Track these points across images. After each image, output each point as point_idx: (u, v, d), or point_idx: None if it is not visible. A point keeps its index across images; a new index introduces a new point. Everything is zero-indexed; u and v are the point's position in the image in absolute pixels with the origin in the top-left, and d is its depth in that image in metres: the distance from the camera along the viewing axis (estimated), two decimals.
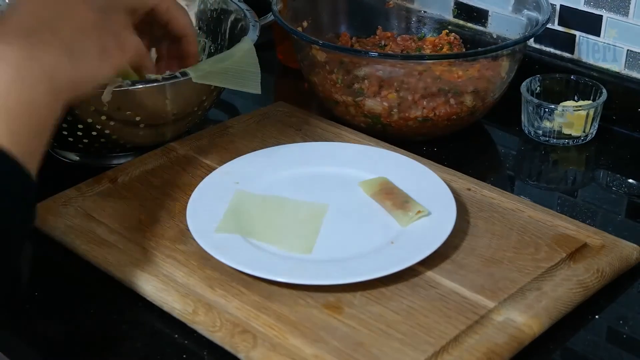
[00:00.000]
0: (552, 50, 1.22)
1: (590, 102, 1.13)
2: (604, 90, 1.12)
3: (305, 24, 1.22)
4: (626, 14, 1.13)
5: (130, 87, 0.97)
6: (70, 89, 0.77)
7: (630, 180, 1.06)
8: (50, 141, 0.75)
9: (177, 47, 1.02)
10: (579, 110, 1.10)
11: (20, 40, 0.73)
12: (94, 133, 1.00)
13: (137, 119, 1.01)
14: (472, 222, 0.93)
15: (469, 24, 1.27)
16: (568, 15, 1.19)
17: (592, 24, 1.17)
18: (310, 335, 0.78)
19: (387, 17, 1.30)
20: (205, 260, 0.87)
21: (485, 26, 1.25)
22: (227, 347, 0.79)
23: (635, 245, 0.90)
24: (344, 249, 0.88)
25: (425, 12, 1.29)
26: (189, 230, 0.89)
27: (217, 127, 1.11)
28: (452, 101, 1.10)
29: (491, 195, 0.97)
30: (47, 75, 0.73)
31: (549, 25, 1.19)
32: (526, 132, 1.14)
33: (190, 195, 0.94)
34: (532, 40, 1.22)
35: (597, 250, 0.89)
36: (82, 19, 0.79)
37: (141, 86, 0.98)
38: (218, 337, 0.79)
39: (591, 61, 1.19)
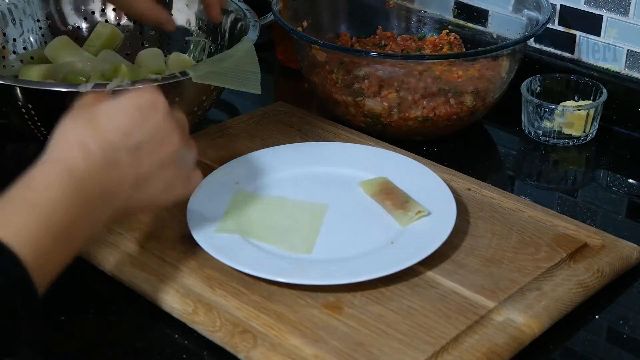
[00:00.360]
0: (552, 50, 1.22)
1: (590, 102, 1.13)
2: (604, 90, 1.12)
3: (305, 24, 1.22)
4: (626, 14, 1.13)
5: (130, 87, 0.97)
6: (120, 213, 0.75)
7: (630, 180, 1.06)
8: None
9: None
10: (579, 110, 1.10)
11: (98, 155, 0.71)
12: None
13: None
14: (472, 222, 0.93)
15: (469, 24, 1.27)
16: (568, 15, 1.19)
17: (593, 24, 1.17)
18: (310, 335, 0.78)
19: (387, 17, 1.30)
20: (205, 260, 0.87)
21: (485, 26, 1.25)
22: (227, 347, 0.79)
23: (635, 245, 0.90)
24: (344, 249, 0.88)
25: (425, 12, 1.29)
26: (189, 230, 0.89)
27: (217, 127, 1.11)
28: (452, 101, 1.10)
29: (491, 195, 0.97)
30: (103, 195, 0.71)
31: (549, 25, 1.19)
32: (526, 132, 1.14)
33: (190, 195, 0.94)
34: (532, 40, 1.22)
35: (597, 250, 0.89)
36: (167, 153, 0.76)
37: (140, 86, 0.98)
38: (218, 337, 0.79)
39: (591, 61, 1.19)
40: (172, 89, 1.00)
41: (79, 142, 0.71)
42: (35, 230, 0.66)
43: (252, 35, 1.10)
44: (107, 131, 0.73)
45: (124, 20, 1.24)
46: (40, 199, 0.67)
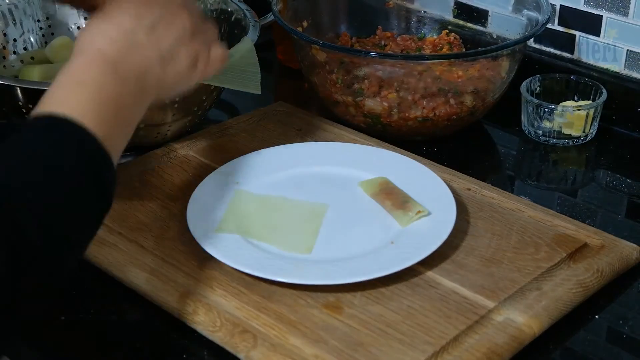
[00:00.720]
0: (552, 50, 1.22)
1: (590, 102, 1.13)
2: (604, 90, 1.12)
3: (305, 24, 1.22)
4: (626, 14, 1.13)
5: None
6: (156, 92, 0.79)
7: (630, 180, 1.06)
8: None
9: None
10: (579, 110, 1.10)
11: (120, 38, 0.76)
12: None
13: None
14: (472, 222, 0.93)
15: (469, 24, 1.27)
16: (568, 15, 1.19)
17: (592, 24, 1.17)
18: (310, 335, 0.78)
19: (387, 17, 1.30)
20: (205, 260, 0.87)
21: (485, 26, 1.25)
22: (227, 347, 0.79)
23: (635, 245, 0.90)
24: (344, 249, 0.88)
25: (425, 12, 1.29)
26: (189, 230, 0.89)
27: (217, 127, 1.11)
28: (452, 101, 1.10)
29: (491, 195, 0.97)
30: (137, 75, 0.76)
31: (549, 25, 1.19)
32: (526, 132, 1.14)
33: (190, 195, 0.94)
34: (532, 40, 1.22)
35: (597, 250, 0.89)
36: (181, 27, 0.80)
37: None
38: (218, 337, 0.79)
39: (591, 61, 1.19)
40: None
41: (100, 34, 0.76)
42: (91, 105, 0.70)
43: (252, 35, 1.10)
44: (121, 19, 0.77)
45: None
46: (85, 79, 0.72)
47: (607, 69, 1.17)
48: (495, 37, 1.24)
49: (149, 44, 0.78)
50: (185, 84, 0.83)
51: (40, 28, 1.21)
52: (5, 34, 1.18)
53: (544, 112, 1.11)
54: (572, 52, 1.20)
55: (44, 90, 0.98)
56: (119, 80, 0.74)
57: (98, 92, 0.72)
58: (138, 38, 0.77)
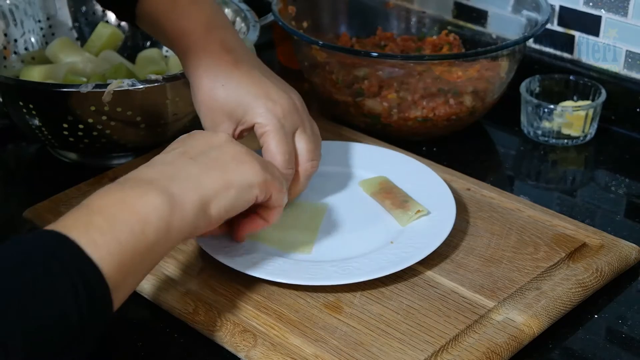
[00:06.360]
0: (551, 50, 1.22)
1: (589, 102, 1.13)
2: (603, 91, 1.12)
3: (305, 24, 1.22)
4: (625, 14, 1.13)
5: (130, 87, 0.97)
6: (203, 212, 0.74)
7: (629, 180, 1.06)
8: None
9: None
10: (578, 110, 1.11)
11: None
12: (95, 133, 1.01)
13: (137, 119, 1.01)
14: (471, 221, 0.93)
15: (469, 24, 1.27)
16: (567, 16, 1.19)
17: (592, 24, 1.17)
18: (310, 334, 0.78)
19: (387, 17, 1.30)
20: (205, 261, 0.87)
21: (484, 26, 1.26)
22: (227, 347, 0.79)
23: (634, 245, 0.90)
24: (344, 249, 0.88)
25: (425, 12, 1.29)
26: None
27: None
28: (451, 101, 1.10)
29: (491, 195, 0.97)
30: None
31: (549, 26, 1.19)
32: (525, 132, 1.15)
33: None
34: (531, 40, 1.22)
35: (596, 250, 0.89)
36: (219, 139, 0.79)
37: (141, 86, 0.98)
38: (218, 337, 0.79)
39: (590, 61, 1.19)
40: (173, 89, 1.00)
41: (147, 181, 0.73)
42: (115, 248, 0.66)
43: (252, 35, 1.10)
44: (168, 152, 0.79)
45: None
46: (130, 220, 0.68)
47: (607, 69, 1.17)
48: (494, 37, 1.24)
49: (176, 154, 0.77)
50: (227, 182, 0.77)
51: (41, 28, 1.21)
52: (6, 35, 1.18)
53: (544, 112, 1.11)
54: (571, 53, 1.20)
55: (45, 90, 0.99)
56: (154, 228, 0.69)
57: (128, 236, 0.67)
58: (167, 156, 0.77)
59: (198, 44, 0.90)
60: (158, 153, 1.04)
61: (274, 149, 0.86)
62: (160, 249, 0.71)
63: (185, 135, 0.81)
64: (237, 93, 0.88)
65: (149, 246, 0.69)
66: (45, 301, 0.61)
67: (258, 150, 0.87)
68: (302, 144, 0.89)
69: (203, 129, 0.90)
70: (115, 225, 0.67)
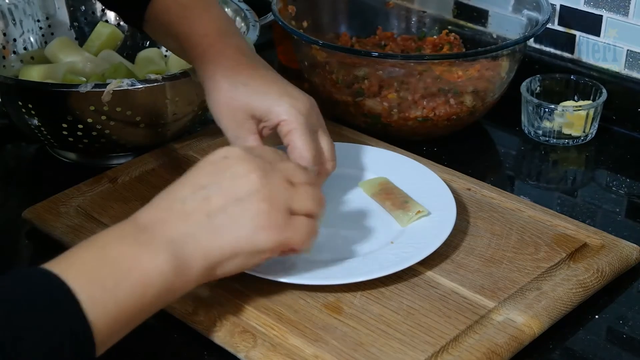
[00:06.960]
0: (552, 50, 1.22)
1: (590, 102, 1.13)
2: (604, 90, 1.12)
3: (305, 24, 1.22)
4: (626, 14, 1.13)
5: (130, 87, 0.97)
6: (210, 270, 0.74)
7: (630, 180, 1.06)
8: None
9: None
10: (579, 110, 1.11)
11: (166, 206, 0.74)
12: (94, 133, 1.01)
13: (137, 119, 1.01)
14: (471, 222, 0.93)
15: (469, 24, 1.27)
16: (568, 15, 1.19)
17: (592, 24, 1.17)
18: (310, 335, 0.78)
19: (387, 17, 1.30)
20: None
21: (485, 26, 1.25)
22: (227, 347, 0.79)
23: (635, 245, 0.90)
24: (344, 249, 0.88)
25: (425, 12, 1.29)
26: None
27: (217, 127, 1.11)
28: (452, 101, 1.10)
29: (491, 195, 0.97)
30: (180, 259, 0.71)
31: (549, 25, 1.19)
32: (526, 132, 1.14)
33: None
34: (532, 40, 1.22)
35: (597, 250, 0.89)
36: (244, 190, 0.74)
37: (141, 86, 0.98)
38: (218, 337, 0.79)
39: (591, 61, 1.19)
40: (172, 89, 1.00)
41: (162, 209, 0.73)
42: (111, 301, 0.67)
43: (252, 35, 1.10)
44: (179, 189, 0.75)
45: None
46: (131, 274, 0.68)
47: (607, 69, 1.17)
48: (495, 37, 1.24)
49: (194, 206, 0.74)
50: (245, 247, 0.75)
51: (40, 28, 1.21)
52: (5, 34, 1.18)
53: (544, 112, 1.11)
54: (572, 52, 1.20)
55: (44, 90, 0.99)
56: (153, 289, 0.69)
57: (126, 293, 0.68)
58: (185, 206, 0.74)
59: (214, 47, 0.91)
60: (158, 153, 1.05)
61: (302, 145, 0.86)
62: (156, 308, 0.71)
63: (221, 155, 0.76)
64: (260, 91, 0.88)
65: (145, 307, 0.69)
66: (29, 352, 0.61)
67: (281, 146, 0.87)
68: (323, 143, 0.90)
69: (203, 130, 0.89)
70: (120, 284, 0.67)
